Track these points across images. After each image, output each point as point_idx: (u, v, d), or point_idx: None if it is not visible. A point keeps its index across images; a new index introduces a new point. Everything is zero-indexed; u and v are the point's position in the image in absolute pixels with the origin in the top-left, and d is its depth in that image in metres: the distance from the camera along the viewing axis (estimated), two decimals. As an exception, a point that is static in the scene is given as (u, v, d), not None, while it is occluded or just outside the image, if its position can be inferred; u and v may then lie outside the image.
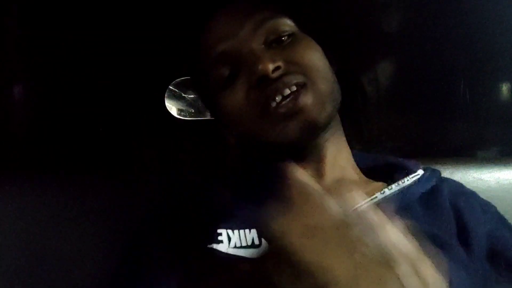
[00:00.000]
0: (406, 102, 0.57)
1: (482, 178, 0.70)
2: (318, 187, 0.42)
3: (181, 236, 0.50)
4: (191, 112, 0.91)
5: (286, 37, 0.56)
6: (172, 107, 0.86)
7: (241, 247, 0.48)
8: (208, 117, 0.91)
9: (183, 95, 0.87)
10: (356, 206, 0.49)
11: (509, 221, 0.56)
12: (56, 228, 0.65)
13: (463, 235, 0.52)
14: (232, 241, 0.48)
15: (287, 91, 0.52)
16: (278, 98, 0.52)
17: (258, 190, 0.53)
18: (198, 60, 0.60)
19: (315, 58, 0.56)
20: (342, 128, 0.60)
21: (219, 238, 0.48)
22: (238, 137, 0.59)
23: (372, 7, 0.75)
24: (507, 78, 0.89)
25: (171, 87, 0.83)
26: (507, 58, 0.83)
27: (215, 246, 0.48)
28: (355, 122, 0.62)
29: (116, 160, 0.80)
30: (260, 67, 0.52)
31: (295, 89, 0.52)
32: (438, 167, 0.67)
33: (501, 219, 0.56)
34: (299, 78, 0.52)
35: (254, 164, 0.59)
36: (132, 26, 0.79)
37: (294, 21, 0.58)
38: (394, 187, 0.52)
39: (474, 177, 0.70)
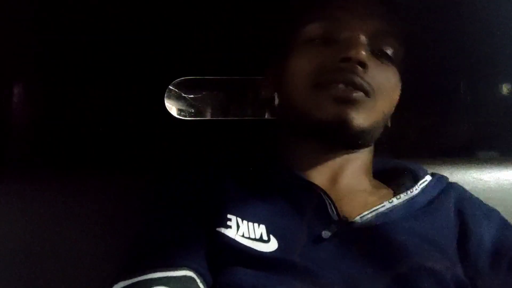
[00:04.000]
0: (406, 102, 0.56)
1: (482, 178, 0.70)
2: None
3: (190, 218, 0.50)
4: (191, 112, 0.91)
5: (386, 57, 0.54)
6: (172, 107, 0.86)
7: (249, 238, 0.47)
8: (208, 117, 0.91)
9: (183, 95, 0.88)
10: (363, 214, 0.50)
11: (509, 220, 0.56)
12: (56, 228, 0.65)
13: (464, 239, 0.52)
14: (240, 229, 0.48)
15: (353, 90, 0.51)
16: (341, 86, 0.51)
17: (268, 189, 0.53)
18: (296, 13, 0.58)
19: (395, 90, 0.55)
20: (372, 154, 0.59)
21: (228, 223, 0.48)
22: (285, 105, 0.58)
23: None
24: (507, 78, 0.89)
25: (171, 87, 0.83)
26: (507, 58, 0.83)
27: (223, 230, 0.48)
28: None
29: (116, 160, 0.80)
30: (355, 50, 0.50)
31: (360, 93, 0.51)
32: (437, 167, 0.67)
33: (505, 224, 0.56)
34: (368, 91, 0.51)
35: (265, 164, 0.58)
36: (132, 26, 0.79)
37: (402, 52, 0.57)
38: (403, 197, 0.53)
39: (474, 178, 0.70)
